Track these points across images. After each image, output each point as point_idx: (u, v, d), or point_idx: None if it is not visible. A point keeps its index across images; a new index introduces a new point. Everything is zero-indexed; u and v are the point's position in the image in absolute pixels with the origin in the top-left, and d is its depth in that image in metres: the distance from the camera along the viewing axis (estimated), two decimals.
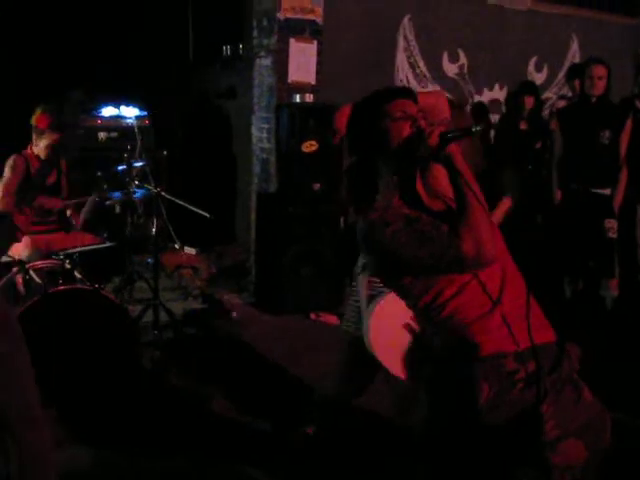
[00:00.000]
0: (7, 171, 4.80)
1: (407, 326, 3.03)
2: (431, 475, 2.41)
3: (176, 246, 6.35)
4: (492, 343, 2.18)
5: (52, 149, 4.91)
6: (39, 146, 4.90)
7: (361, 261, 3.42)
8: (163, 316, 5.44)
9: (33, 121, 4.85)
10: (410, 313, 2.88)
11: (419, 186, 2.30)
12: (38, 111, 4.83)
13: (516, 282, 2.26)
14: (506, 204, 3.51)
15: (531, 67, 7.95)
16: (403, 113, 2.27)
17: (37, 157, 4.92)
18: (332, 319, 6.08)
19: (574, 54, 8.21)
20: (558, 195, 6.07)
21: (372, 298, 3.28)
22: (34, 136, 4.90)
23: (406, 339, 3.04)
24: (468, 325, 2.20)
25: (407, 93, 2.37)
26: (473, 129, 2.26)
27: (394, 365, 3.09)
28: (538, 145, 6.67)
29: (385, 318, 3.11)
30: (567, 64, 8.04)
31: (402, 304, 2.82)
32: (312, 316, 6.15)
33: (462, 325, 2.21)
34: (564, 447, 2.18)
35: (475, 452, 2.26)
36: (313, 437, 3.81)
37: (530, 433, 2.19)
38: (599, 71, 5.80)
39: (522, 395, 2.18)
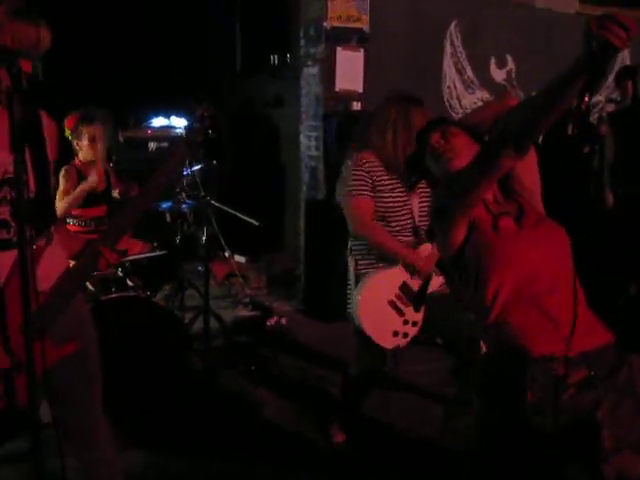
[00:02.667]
0: (62, 181, 4.87)
1: (391, 303, 3.52)
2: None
3: (226, 254, 6.42)
4: (541, 346, 2.17)
5: (96, 142, 4.90)
6: (83, 148, 4.91)
7: (349, 244, 3.77)
8: (213, 323, 5.48)
9: (65, 130, 4.89)
10: (394, 292, 3.52)
11: None
12: (67, 117, 4.90)
13: (569, 284, 2.24)
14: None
15: None
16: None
17: (85, 165, 4.94)
18: None
19: (624, 56, 8.09)
20: (610, 199, 5.99)
21: (358, 277, 3.64)
22: (74, 143, 4.94)
23: (391, 314, 3.51)
24: (517, 327, 2.20)
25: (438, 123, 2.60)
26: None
27: (380, 336, 3.51)
28: (586, 150, 6.59)
29: (371, 295, 3.52)
30: (616, 67, 7.93)
31: (387, 284, 3.51)
32: None
33: (511, 326, 2.21)
34: (619, 459, 2.14)
35: (524, 456, 2.24)
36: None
37: (584, 440, 2.17)
38: None
39: (573, 401, 2.15)
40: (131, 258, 4.85)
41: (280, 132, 8.17)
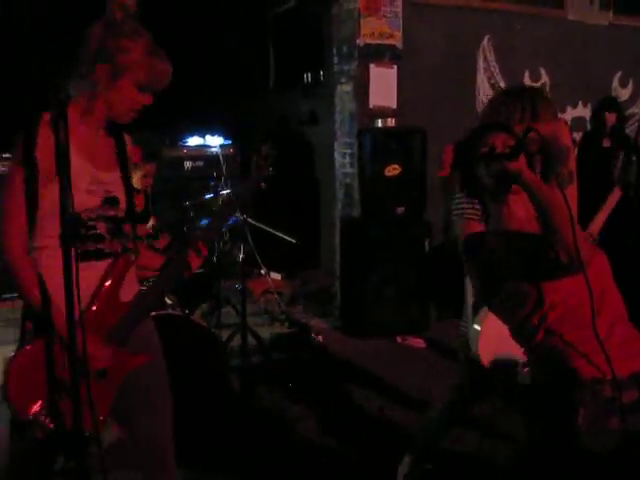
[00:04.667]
0: None
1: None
2: None
3: (262, 272, 6.44)
4: (590, 368, 2.16)
5: (148, 179, 5.01)
6: (134, 179, 5.01)
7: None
8: (251, 341, 5.50)
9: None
10: None
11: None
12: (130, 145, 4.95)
13: (615, 306, 2.23)
14: (616, 195, 3.45)
15: (615, 83, 7.82)
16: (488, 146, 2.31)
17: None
18: (418, 342, 6.06)
19: None
20: None
21: (477, 306, 3.34)
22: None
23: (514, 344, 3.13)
24: (564, 349, 2.19)
25: (499, 127, 2.40)
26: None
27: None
28: (623, 162, 6.53)
29: (495, 326, 3.05)
30: None
31: None
32: (398, 339, 6.14)
33: (558, 348, 2.20)
34: None
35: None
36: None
37: (635, 462, 2.15)
38: None
39: (623, 423, 2.13)
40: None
41: (314, 149, 8.21)
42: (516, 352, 3.16)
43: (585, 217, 3.42)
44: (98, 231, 2.49)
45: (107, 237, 2.52)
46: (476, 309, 3.32)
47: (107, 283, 2.51)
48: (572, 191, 2.41)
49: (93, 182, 2.47)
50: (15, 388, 2.37)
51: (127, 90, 2.49)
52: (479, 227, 3.17)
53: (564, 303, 2.20)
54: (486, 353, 3.24)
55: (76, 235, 2.26)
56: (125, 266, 2.56)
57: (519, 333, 2.35)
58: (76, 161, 2.30)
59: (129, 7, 2.50)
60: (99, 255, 2.50)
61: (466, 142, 2.41)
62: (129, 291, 2.61)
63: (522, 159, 2.20)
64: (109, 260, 2.52)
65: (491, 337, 3.20)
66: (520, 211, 2.37)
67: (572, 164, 2.38)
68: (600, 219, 3.34)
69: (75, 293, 1.98)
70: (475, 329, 3.29)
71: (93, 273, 2.48)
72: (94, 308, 2.49)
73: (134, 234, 2.68)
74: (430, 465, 3.66)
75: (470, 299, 3.37)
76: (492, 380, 3.40)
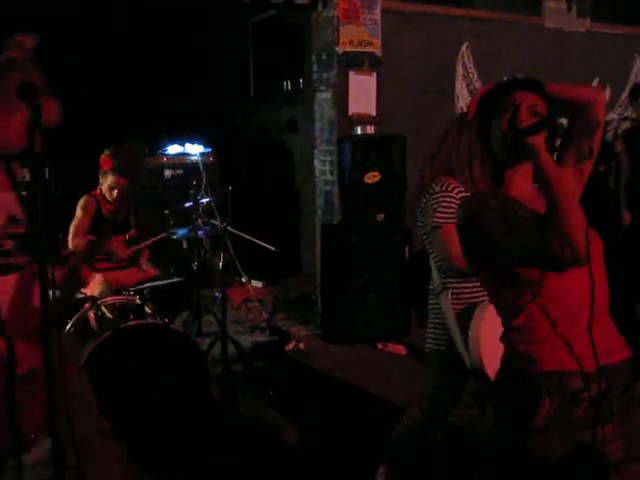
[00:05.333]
0: (79, 211, 4.94)
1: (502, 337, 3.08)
2: None
3: (243, 280, 6.44)
4: (560, 359, 2.16)
5: (117, 191, 5.03)
6: (104, 186, 5.04)
7: (437, 280, 3.33)
8: (231, 349, 5.49)
9: (100, 162, 5.00)
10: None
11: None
12: (105, 152, 4.97)
13: (601, 298, 2.22)
14: None
15: None
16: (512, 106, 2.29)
17: (104, 197, 5.06)
18: (399, 349, 6.07)
19: (637, 73, 8.11)
20: (627, 218, 5.97)
21: (463, 315, 3.22)
22: (100, 176, 5.05)
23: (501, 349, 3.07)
24: (531, 341, 2.20)
25: (531, 85, 2.36)
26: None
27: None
28: (602, 168, 6.57)
29: (488, 331, 3.06)
30: (630, 84, 7.94)
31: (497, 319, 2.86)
32: (379, 346, 6.14)
33: (526, 338, 2.21)
34: (630, 471, 2.14)
35: (533, 466, 2.22)
36: None
37: (594, 453, 2.16)
38: None
39: (586, 414, 2.14)
40: (148, 285, 4.89)
41: (294, 157, 8.22)
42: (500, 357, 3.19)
43: None
44: (4, 248, 2.58)
45: (14, 252, 2.60)
46: (461, 322, 3.22)
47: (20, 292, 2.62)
48: (587, 167, 2.41)
49: None
50: None
51: (21, 124, 2.46)
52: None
53: (560, 286, 2.18)
54: (490, 364, 3.14)
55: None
56: (33, 276, 2.59)
57: (504, 315, 2.33)
58: None
59: (26, 46, 2.55)
60: (9, 269, 2.60)
61: (492, 93, 2.38)
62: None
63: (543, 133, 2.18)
64: (18, 273, 2.62)
65: (492, 347, 3.11)
66: (524, 182, 2.32)
67: (597, 141, 2.37)
68: None
69: None
70: (472, 342, 3.14)
71: (6, 286, 2.58)
72: (12, 316, 2.57)
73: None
74: (404, 475, 3.66)
75: (450, 312, 3.27)
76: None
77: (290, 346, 6.05)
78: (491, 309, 3.09)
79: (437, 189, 3.19)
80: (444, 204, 3.14)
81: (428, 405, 3.53)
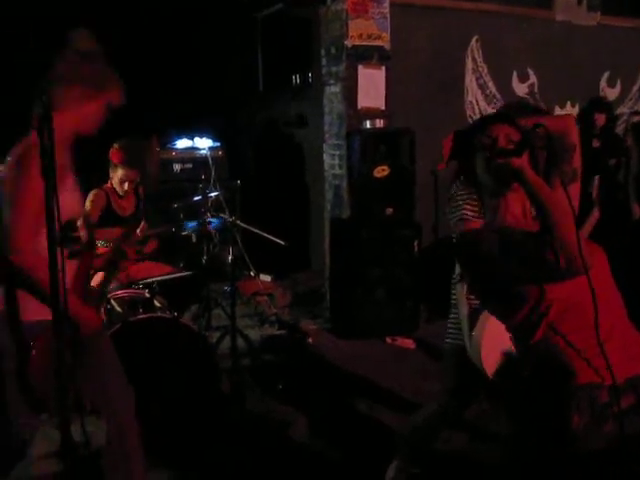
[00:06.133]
0: (88, 204, 4.94)
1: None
2: None
3: (252, 274, 6.44)
4: (589, 371, 2.15)
5: (128, 185, 5.03)
6: (114, 180, 5.04)
7: (457, 270, 3.37)
8: (240, 343, 5.49)
9: (109, 155, 5.00)
10: None
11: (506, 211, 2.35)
12: (115, 146, 4.97)
13: (615, 307, 2.22)
14: (595, 216, 3.42)
15: (603, 83, 7.84)
16: (489, 139, 2.32)
17: (116, 191, 5.06)
18: (408, 343, 6.06)
19: None
20: (637, 210, 5.95)
21: (475, 313, 3.24)
22: (110, 170, 5.05)
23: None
24: (565, 349, 2.18)
25: (502, 118, 2.40)
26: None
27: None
28: (612, 162, 6.55)
29: (494, 333, 3.09)
30: None
31: None
32: (388, 340, 6.13)
33: (558, 348, 2.19)
34: None
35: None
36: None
37: (628, 464, 2.15)
38: None
39: (618, 428, 2.12)
40: (158, 279, 4.89)
41: (303, 151, 8.21)
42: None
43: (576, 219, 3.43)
44: (78, 235, 2.88)
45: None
46: (472, 319, 3.28)
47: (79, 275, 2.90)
48: (575, 189, 2.42)
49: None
50: None
51: (97, 108, 2.89)
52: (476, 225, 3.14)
53: (566, 300, 2.18)
54: (489, 364, 3.20)
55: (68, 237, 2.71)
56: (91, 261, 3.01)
57: (517, 332, 2.33)
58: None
59: (93, 38, 2.90)
60: (76, 255, 2.88)
61: (466, 131, 2.40)
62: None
63: (525, 155, 2.20)
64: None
65: (493, 347, 3.17)
66: (517, 207, 2.35)
67: (577, 162, 2.38)
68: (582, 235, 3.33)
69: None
70: (475, 340, 3.20)
71: (71, 269, 2.81)
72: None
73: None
74: (418, 469, 3.65)
75: (464, 309, 3.31)
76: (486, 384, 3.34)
77: (298, 340, 6.04)
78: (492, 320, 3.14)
79: (455, 188, 3.21)
80: (468, 199, 3.17)
81: (446, 399, 3.54)
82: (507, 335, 3.02)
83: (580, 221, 3.34)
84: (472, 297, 3.26)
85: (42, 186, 2.48)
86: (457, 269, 3.39)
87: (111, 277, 3.39)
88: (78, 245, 2.89)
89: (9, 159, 2.72)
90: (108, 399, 3.10)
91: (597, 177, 5.24)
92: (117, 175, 5.02)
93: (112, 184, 5.07)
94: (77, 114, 2.84)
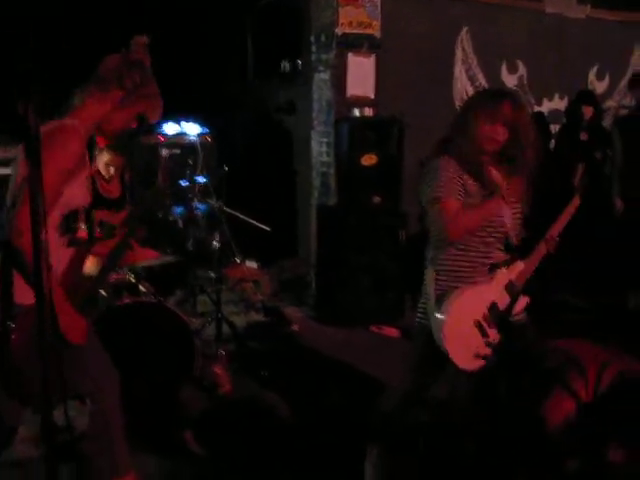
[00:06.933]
0: None
1: (477, 323, 3.22)
2: None
3: (237, 260, 6.44)
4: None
5: (113, 170, 5.02)
6: (100, 164, 5.02)
7: (431, 253, 3.41)
8: (225, 329, 5.50)
9: (95, 139, 4.97)
10: (482, 311, 3.21)
11: None
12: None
13: None
14: (575, 203, 3.45)
15: (592, 76, 7.87)
16: None
17: (101, 174, 5.03)
18: (393, 332, 6.08)
19: (637, 61, 8.08)
20: (618, 204, 5.99)
21: (441, 296, 3.30)
22: (96, 152, 5.02)
23: (475, 335, 3.22)
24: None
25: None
26: None
27: (462, 359, 3.23)
28: (598, 155, 6.58)
29: (459, 315, 3.21)
30: (629, 72, 7.92)
31: (475, 302, 3.18)
32: (373, 329, 6.15)
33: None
34: None
35: None
36: None
37: None
38: None
39: None
40: (144, 264, 4.89)
41: (292, 138, 8.19)
42: (478, 345, 3.24)
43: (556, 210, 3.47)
44: (78, 225, 2.93)
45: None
46: (438, 302, 3.29)
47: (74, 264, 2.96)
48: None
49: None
50: None
51: (128, 115, 3.00)
52: (460, 205, 3.20)
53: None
54: (455, 350, 3.24)
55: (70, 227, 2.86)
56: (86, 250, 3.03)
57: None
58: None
59: (146, 45, 3.14)
60: (75, 243, 2.94)
61: None
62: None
63: None
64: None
65: (457, 332, 3.22)
66: None
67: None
68: (560, 224, 3.37)
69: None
70: (438, 318, 3.25)
71: (67, 257, 2.92)
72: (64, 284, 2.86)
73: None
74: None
75: (431, 288, 3.34)
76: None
77: (284, 327, 6.06)
78: (466, 296, 3.22)
79: (436, 166, 3.28)
80: (444, 178, 3.23)
81: (409, 377, 3.57)
82: (471, 322, 3.19)
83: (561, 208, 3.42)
84: (440, 280, 3.32)
85: (56, 173, 2.69)
86: (428, 253, 3.44)
87: (114, 266, 3.38)
88: (77, 235, 2.93)
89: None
90: (93, 384, 3.11)
91: (581, 165, 5.25)
92: (103, 159, 5.00)
93: (97, 167, 5.05)
94: (107, 114, 2.96)
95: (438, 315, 3.25)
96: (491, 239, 3.28)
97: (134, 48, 3.08)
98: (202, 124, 7.69)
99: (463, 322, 3.22)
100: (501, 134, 3.18)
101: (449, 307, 3.23)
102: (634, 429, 2.42)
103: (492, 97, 3.31)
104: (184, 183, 5.60)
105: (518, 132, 3.17)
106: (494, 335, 3.26)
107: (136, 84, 3.00)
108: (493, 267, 3.26)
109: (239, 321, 6.11)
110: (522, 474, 3.13)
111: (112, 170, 5.02)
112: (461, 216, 3.16)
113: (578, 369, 2.81)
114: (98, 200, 4.96)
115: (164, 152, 7.50)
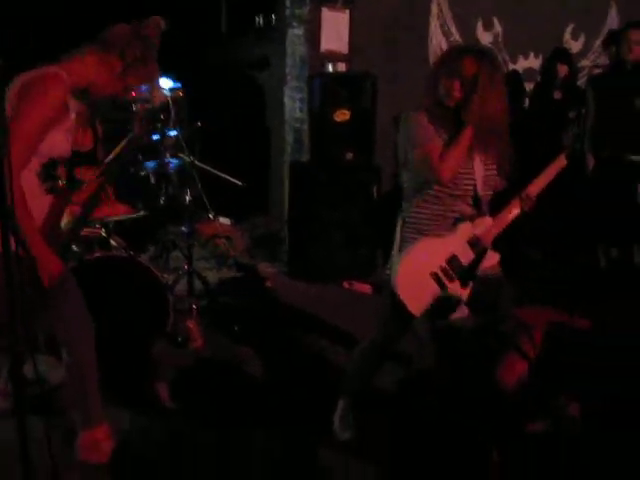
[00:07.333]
0: None
1: (434, 275, 3.22)
2: None
3: (210, 216, 6.41)
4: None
5: (77, 118, 4.96)
6: None
7: (403, 205, 3.44)
8: (198, 285, 5.50)
9: None
10: (439, 264, 3.22)
11: None
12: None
13: None
14: (561, 162, 3.45)
15: (567, 35, 7.84)
16: None
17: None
18: (365, 288, 6.11)
19: (612, 21, 8.06)
20: (591, 163, 6.02)
21: (403, 241, 3.35)
22: None
23: (432, 287, 3.22)
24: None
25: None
26: None
27: (414, 304, 3.23)
28: (572, 114, 6.59)
29: (413, 262, 3.25)
30: (605, 31, 7.91)
31: (434, 253, 3.21)
32: (345, 285, 6.17)
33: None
34: None
35: None
36: None
37: None
38: (637, 36, 5.70)
39: None
40: (114, 219, 4.86)
41: (265, 94, 8.13)
42: (434, 297, 3.26)
43: (535, 169, 3.47)
44: (57, 173, 2.99)
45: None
46: (401, 249, 3.35)
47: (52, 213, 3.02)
48: None
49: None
50: None
51: (119, 85, 3.10)
52: (441, 147, 3.22)
53: None
54: (409, 297, 3.26)
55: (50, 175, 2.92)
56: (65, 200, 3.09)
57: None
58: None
59: (161, 28, 3.24)
60: (53, 191, 3.00)
61: None
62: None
63: None
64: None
65: (409, 275, 3.24)
66: None
67: None
68: (541, 182, 3.36)
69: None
70: (395, 266, 3.29)
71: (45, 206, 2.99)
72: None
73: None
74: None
75: (397, 240, 3.39)
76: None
77: (256, 283, 6.06)
78: (424, 243, 3.27)
79: (415, 115, 3.30)
80: (422, 128, 3.26)
81: (379, 330, 3.60)
82: (427, 272, 3.21)
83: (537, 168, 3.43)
84: (404, 231, 3.36)
85: (37, 119, 2.77)
86: (403, 205, 3.45)
87: (87, 216, 3.38)
88: (56, 183, 2.99)
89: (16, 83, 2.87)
90: (66, 332, 3.14)
91: (574, 125, 5.29)
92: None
93: None
94: (98, 77, 3.05)
95: (395, 263, 3.29)
96: (459, 192, 3.29)
97: (148, 24, 3.17)
98: (175, 79, 7.61)
99: (418, 271, 3.24)
100: (457, 90, 3.19)
101: (404, 256, 3.27)
102: (578, 380, 2.52)
103: (456, 52, 3.34)
104: (156, 137, 5.55)
105: (476, 89, 3.16)
106: (456, 290, 3.28)
107: (136, 58, 3.07)
108: (457, 221, 3.28)
109: (212, 277, 6.11)
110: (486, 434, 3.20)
111: (74, 118, 4.96)
112: (446, 155, 3.18)
113: (527, 332, 2.90)
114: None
115: (136, 107, 7.43)
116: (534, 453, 2.92)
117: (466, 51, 3.27)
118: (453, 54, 3.32)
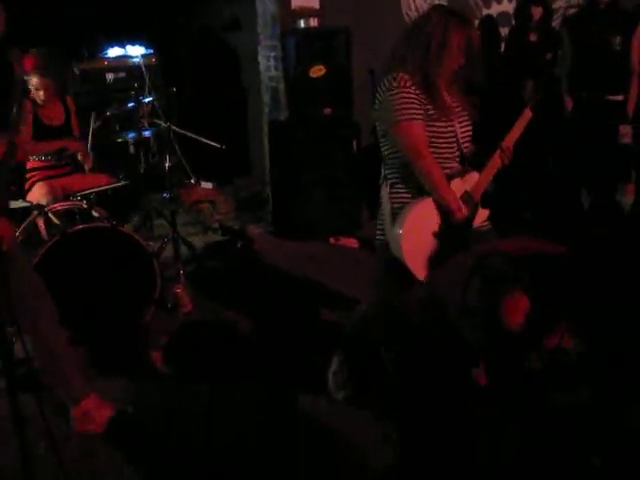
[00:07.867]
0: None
1: (435, 234, 3.24)
2: None
3: (192, 181, 6.39)
4: None
5: (44, 93, 4.94)
6: (32, 90, 4.95)
7: (384, 172, 3.44)
8: (184, 250, 5.50)
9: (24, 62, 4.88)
10: (438, 222, 3.24)
11: None
12: (29, 53, 4.86)
13: None
14: (528, 115, 3.46)
15: None
16: None
17: (35, 100, 4.97)
18: (351, 242, 6.12)
19: None
20: (569, 104, 6.01)
21: (397, 212, 3.33)
22: (27, 79, 4.94)
23: (435, 245, 3.25)
24: None
25: None
26: None
27: (421, 271, 3.25)
28: (548, 56, 6.55)
29: (415, 226, 3.24)
30: None
31: (431, 214, 3.22)
32: (331, 240, 6.18)
33: None
34: None
35: None
36: None
37: None
38: None
39: None
40: (95, 190, 4.85)
41: (239, 55, 8.07)
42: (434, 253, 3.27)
43: (509, 115, 3.48)
44: None
45: None
46: (394, 217, 3.32)
47: None
48: None
49: None
50: None
51: None
52: (423, 128, 3.23)
53: None
54: (416, 264, 3.27)
55: None
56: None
57: None
58: None
59: None
60: None
61: None
62: None
63: None
64: None
65: (413, 240, 3.24)
66: None
67: None
68: (514, 134, 3.40)
69: None
70: (396, 232, 3.27)
71: None
72: None
73: None
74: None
75: (387, 205, 3.38)
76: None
77: (242, 245, 6.07)
78: (419, 207, 3.26)
79: (395, 85, 3.25)
80: (404, 99, 3.23)
81: (374, 292, 3.62)
82: (429, 233, 3.23)
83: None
84: (394, 196, 3.35)
85: None
86: (382, 171, 3.46)
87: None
88: None
89: None
90: (31, 318, 3.12)
91: (531, 82, 5.27)
92: (32, 83, 4.91)
93: (32, 94, 4.97)
94: None
95: (396, 230, 3.27)
96: (446, 154, 3.33)
97: None
98: (146, 45, 7.53)
99: (421, 234, 3.25)
100: (463, 58, 3.24)
101: (405, 221, 3.25)
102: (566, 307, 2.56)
103: (463, 22, 3.31)
104: (131, 105, 5.51)
105: (473, 56, 3.22)
106: (456, 244, 3.29)
107: None
108: (448, 178, 3.28)
109: (197, 242, 6.11)
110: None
111: (42, 94, 4.94)
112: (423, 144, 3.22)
113: (512, 262, 2.94)
114: (40, 128, 4.91)
115: (109, 76, 7.37)
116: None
117: (468, 22, 3.38)
118: (461, 22, 3.29)
